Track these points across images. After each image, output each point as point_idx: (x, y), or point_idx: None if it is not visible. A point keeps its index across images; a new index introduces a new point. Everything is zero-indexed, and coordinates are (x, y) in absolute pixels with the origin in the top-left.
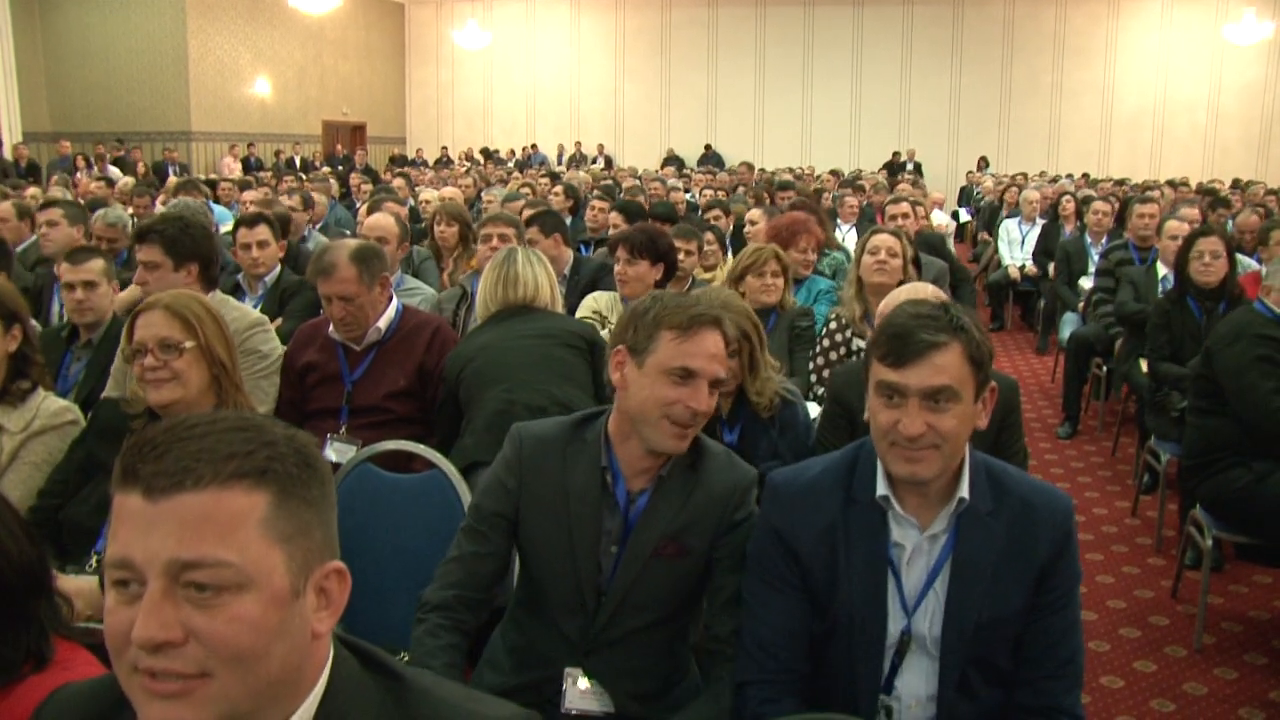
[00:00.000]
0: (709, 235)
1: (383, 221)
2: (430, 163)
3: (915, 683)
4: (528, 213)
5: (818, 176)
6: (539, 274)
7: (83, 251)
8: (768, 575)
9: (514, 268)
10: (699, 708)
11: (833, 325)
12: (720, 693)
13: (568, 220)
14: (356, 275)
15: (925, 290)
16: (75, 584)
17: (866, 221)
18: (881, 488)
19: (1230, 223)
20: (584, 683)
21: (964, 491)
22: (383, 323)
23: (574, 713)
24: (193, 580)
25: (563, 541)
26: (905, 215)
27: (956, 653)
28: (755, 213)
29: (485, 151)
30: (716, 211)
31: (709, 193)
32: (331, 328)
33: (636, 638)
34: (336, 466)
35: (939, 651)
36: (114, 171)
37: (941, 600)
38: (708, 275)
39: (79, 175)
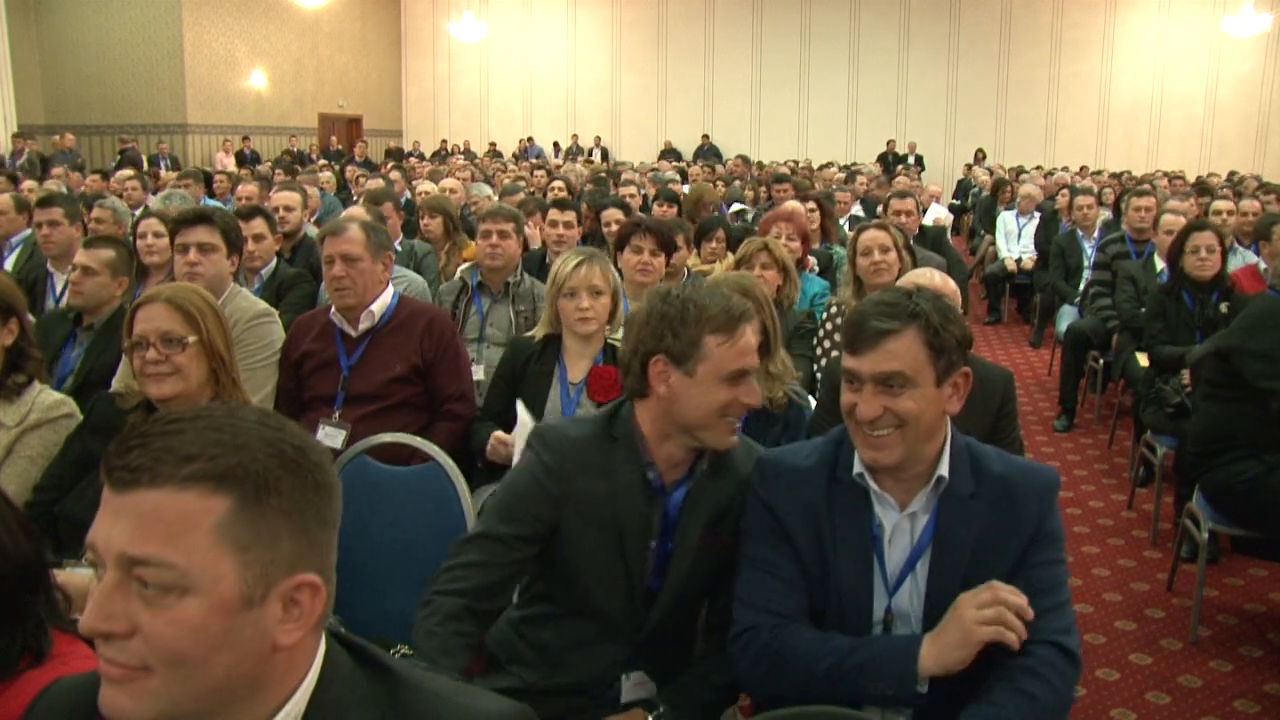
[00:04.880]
0: (719, 231)
1: (358, 214)
2: (427, 155)
3: None
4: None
5: (815, 169)
6: None
7: (99, 240)
8: (766, 538)
9: None
10: (712, 666)
11: (833, 310)
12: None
13: None
14: (364, 239)
15: (933, 276)
16: (74, 578)
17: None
18: (858, 466)
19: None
20: (638, 675)
21: (943, 470)
22: (378, 307)
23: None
24: (139, 576)
25: (612, 544)
26: (909, 213)
27: None
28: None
29: (493, 147)
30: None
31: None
32: (333, 309)
33: (683, 629)
34: (336, 454)
35: (922, 630)
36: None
37: (922, 581)
38: (705, 268)
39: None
